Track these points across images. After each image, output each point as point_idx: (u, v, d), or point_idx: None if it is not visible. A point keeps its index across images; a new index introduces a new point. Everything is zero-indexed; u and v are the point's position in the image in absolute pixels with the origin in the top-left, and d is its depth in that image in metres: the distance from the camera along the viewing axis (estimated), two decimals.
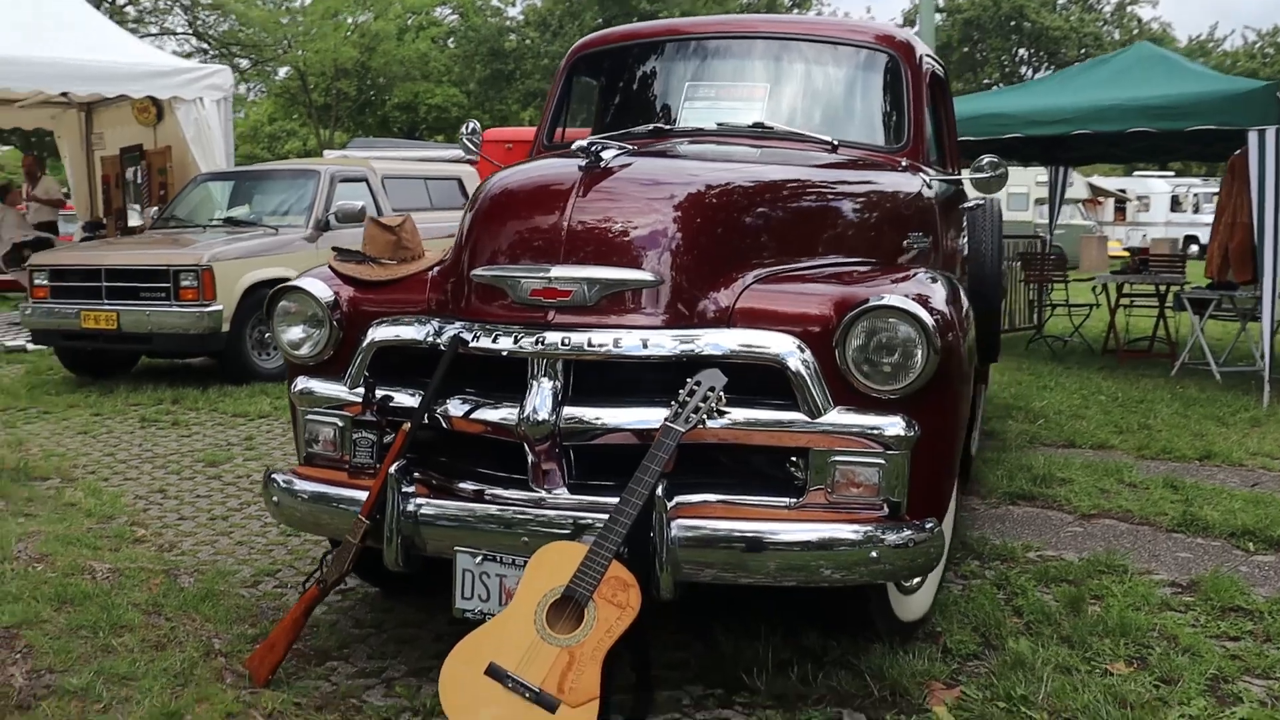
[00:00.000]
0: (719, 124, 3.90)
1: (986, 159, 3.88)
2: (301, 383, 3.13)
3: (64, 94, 11.29)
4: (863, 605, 2.93)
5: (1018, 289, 10.08)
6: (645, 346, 2.64)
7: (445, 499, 2.79)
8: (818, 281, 2.78)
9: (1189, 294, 7.89)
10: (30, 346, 9.06)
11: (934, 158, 4.26)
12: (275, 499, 3.05)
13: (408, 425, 2.82)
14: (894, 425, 2.59)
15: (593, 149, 2.89)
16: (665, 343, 2.64)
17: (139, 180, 12.39)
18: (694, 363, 2.64)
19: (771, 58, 4.12)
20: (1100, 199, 27.08)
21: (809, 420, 2.61)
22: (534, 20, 31.92)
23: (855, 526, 2.56)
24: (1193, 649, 3.03)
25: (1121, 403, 6.86)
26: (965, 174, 3.99)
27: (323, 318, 3.04)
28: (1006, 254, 9.48)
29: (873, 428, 2.59)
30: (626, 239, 2.73)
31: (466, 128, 4.22)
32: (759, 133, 3.82)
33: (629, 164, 2.88)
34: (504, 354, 2.71)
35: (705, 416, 2.58)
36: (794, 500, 2.66)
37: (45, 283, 7.82)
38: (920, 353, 2.55)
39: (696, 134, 3.89)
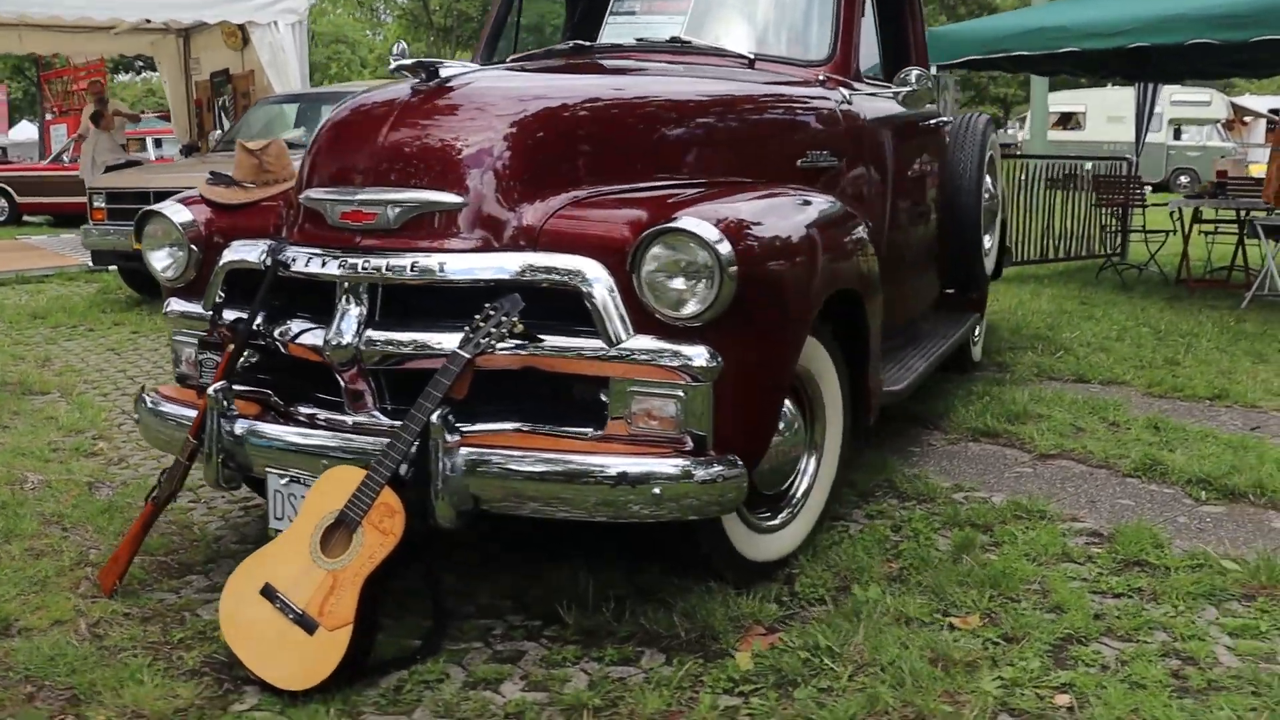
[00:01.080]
0: (638, 39, 3.74)
1: (915, 71, 3.59)
2: (170, 304, 3.18)
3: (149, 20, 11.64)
4: (694, 543, 2.83)
5: (1088, 214, 9.48)
6: (441, 270, 2.57)
7: (262, 420, 2.80)
8: (631, 205, 2.63)
9: (1263, 221, 7.25)
10: (91, 266, 9.55)
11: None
12: (138, 417, 3.12)
13: (231, 347, 2.83)
14: (694, 355, 2.46)
15: (427, 69, 2.80)
16: (459, 265, 2.56)
17: (226, 104, 12.80)
18: (497, 287, 2.56)
19: None
20: (1245, 119, 25.09)
21: (605, 348, 2.50)
22: None
23: (644, 460, 2.45)
24: (1063, 605, 2.81)
25: (1162, 336, 6.40)
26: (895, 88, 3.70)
27: (182, 241, 3.07)
28: (1052, 175, 8.92)
29: (670, 356, 2.46)
30: (434, 161, 2.64)
31: (395, 48, 4.15)
32: (675, 48, 3.65)
33: (457, 85, 2.78)
34: (313, 278, 2.69)
35: (494, 342, 2.50)
36: (595, 431, 2.57)
37: (103, 205, 8.18)
38: (712, 279, 2.40)
39: (613, 50, 3.75)
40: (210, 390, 2.77)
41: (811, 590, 2.91)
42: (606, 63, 3.41)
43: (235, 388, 2.81)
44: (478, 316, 2.52)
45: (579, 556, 3.07)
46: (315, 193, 2.75)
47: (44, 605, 2.85)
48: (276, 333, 2.80)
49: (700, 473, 2.44)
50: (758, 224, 2.58)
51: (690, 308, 2.43)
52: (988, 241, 5.07)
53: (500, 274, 2.54)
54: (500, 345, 2.52)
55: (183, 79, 13.79)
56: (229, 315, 2.95)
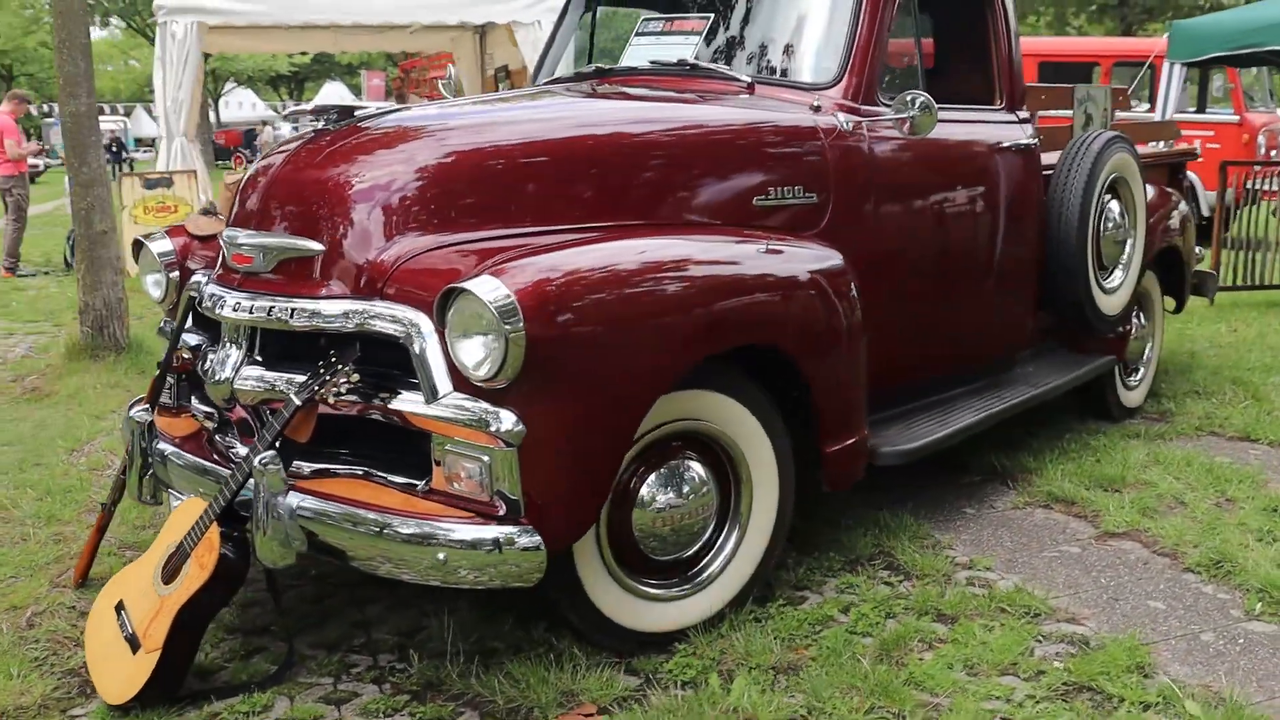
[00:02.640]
0: (652, 62, 3.60)
1: (918, 97, 3.18)
2: (162, 325, 3.47)
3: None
4: (551, 603, 2.71)
5: None
6: (292, 316, 2.62)
7: (187, 444, 2.99)
8: (473, 255, 2.53)
9: None
10: None
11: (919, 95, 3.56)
12: (119, 430, 3.44)
13: (158, 372, 3.04)
14: (501, 417, 2.35)
15: (340, 111, 2.86)
16: (308, 311, 2.60)
17: None
18: (335, 335, 2.58)
19: None
20: None
21: (423, 403, 2.45)
22: None
23: (435, 522, 2.39)
24: None
25: None
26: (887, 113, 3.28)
27: (160, 269, 3.32)
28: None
29: (476, 418, 2.37)
30: (304, 207, 2.70)
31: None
32: (682, 71, 3.49)
33: (347, 132, 2.80)
34: (208, 315, 2.83)
35: (328, 391, 2.53)
36: (423, 486, 2.53)
37: None
38: (500, 341, 2.28)
39: (629, 74, 3.64)
40: (131, 411, 3.00)
41: (681, 672, 2.69)
42: (540, 100, 3.29)
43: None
44: (320, 363, 2.55)
45: (470, 601, 3.03)
46: (225, 233, 2.89)
47: (14, 590, 3.22)
48: (201, 365, 2.97)
49: (488, 541, 2.34)
50: (585, 279, 2.41)
51: (484, 369, 2.33)
52: (1118, 277, 4.41)
53: (341, 322, 2.56)
54: (339, 393, 2.55)
55: (478, 74, 14.76)
56: (191, 340, 3.16)
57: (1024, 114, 3.97)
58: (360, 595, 3.16)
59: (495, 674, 2.64)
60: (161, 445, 2.96)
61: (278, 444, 2.52)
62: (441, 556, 2.36)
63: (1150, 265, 4.88)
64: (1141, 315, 5.03)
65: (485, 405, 2.36)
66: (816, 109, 3.22)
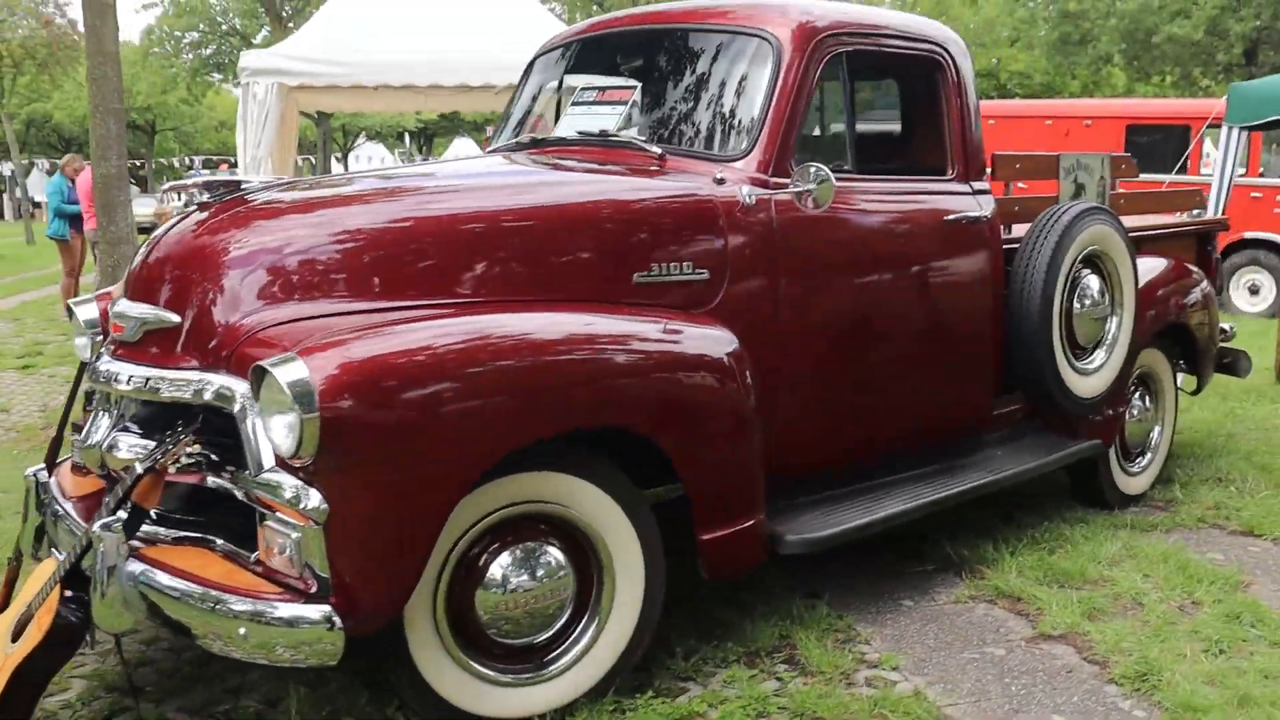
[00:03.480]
0: (579, 132, 3.60)
1: (812, 168, 3.09)
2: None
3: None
4: (389, 679, 2.67)
5: None
6: (146, 385, 2.68)
7: (76, 505, 3.07)
8: (303, 333, 2.52)
9: None
10: None
11: (845, 165, 3.46)
12: None
13: (55, 432, 3.15)
14: (308, 495, 2.35)
15: (226, 186, 2.94)
16: (156, 381, 2.65)
17: None
18: (171, 404, 2.64)
19: (655, 54, 3.68)
20: None
21: (249, 475, 2.47)
22: None
23: (240, 598, 2.40)
24: None
25: None
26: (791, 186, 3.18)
27: (86, 332, 3.42)
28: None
29: (289, 494, 2.37)
30: (168, 281, 2.77)
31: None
32: (605, 142, 3.48)
33: (221, 208, 2.85)
34: (94, 380, 2.92)
35: (166, 459, 2.57)
36: (253, 558, 2.53)
37: None
38: (297, 422, 2.28)
39: (559, 143, 3.65)
40: (28, 471, 3.10)
41: None
42: (420, 174, 3.29)
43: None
44: (168, 432, 2.61)
45: (337, 673, 3.01)
46: (112, 302, 2.99)
47: None
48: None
49: (283, 618, 2.33)
50: (398, 361, 2.39)
51: (285, 447, 2.33)
52: (1098, 357, 4.16)
53: (182, 392, 2.60)
54: (180, 463, 2.59)
55: None
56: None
57: (980, 185, 3.81)
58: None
59: None
60: (57, 504, 3.05)
61: (122, 510, 2.57)
62: (242, 631, 2.36)
63: (1152, 344, 4.60)
64: (1146, 397, 4.75)
65: (297, 482, 2.37)
66: (719, 182, 3.15)
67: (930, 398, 3.70)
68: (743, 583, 3.63)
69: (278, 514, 2.42)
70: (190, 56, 34.75)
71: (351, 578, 2.37)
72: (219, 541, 2.66)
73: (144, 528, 2.69)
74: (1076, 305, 4.04)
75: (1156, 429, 4.82)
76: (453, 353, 2.46)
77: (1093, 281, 4.10)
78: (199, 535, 2.70)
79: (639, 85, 3.56)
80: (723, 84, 3.43)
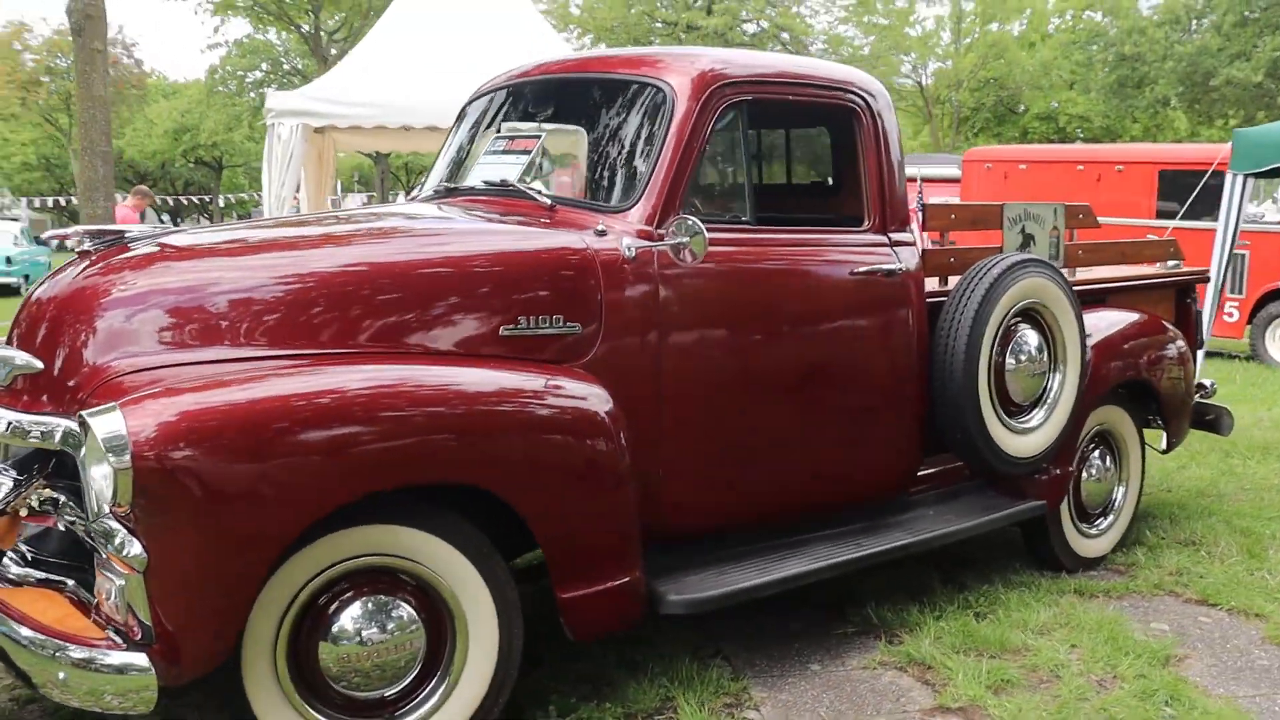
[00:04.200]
0: (484, 181, 3.61)
1: (685, 222, 3.03)
2: None
3: None
4: None
5: None
6: (8, 430, 2.70)
7: None
8: (148, 383, 2.52)
9: None
10: None
11: (743, 217, 3.40)
12: None
13: None
14: (129, 543, 2.34)
15: (90, 238, 2.96)
16: (13, 424, 2.68)
17: None
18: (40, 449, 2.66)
19: (568, 102, 3.67)
20: None
21: (88, 521, 2.47)
22: (1167, 19, 27.89)
23: (60, 642, 2.41)
24: None
25: None
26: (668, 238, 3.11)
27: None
28: None
29: (116, 542, 2.36)
30: (37, 327, 2.79)
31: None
32: (505, 191, 3.47)
33: (99, 258, 2.87)
34: None
35: (16, 501, 2.61)
36: (95, 605, 2.54)
37: None
38: (112, 472, 2.28)
39: (469, 192, 3.66)
40: None
41: None
42: (300, 226, 3.26)
43: None
44: (21, 475, 2.64)
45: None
46: None
47: None
48: None
49: (93, 663, 2.34)
50: (221, 414, 2.38)
51: (105, 495, 2.33)
52: (1037, 416, 4.01)
53: (32, 436, 2.63)
54: (31, 505, 2.62)
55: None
56: None
57: (901, 236, 3.71)
58: None
59: None
60: None
61: None
62: (62, 675, 2.37)
63: (1110, 401, 4.44)
64: (1107, 456, 4.57)
65: (123, 530, 2.36)
66: (601, 234, 3.11)
67: (836, 459, 3.58)
68: (643, 638, 3.55)
69: (109, 560, 2.42)
70: (254, 95, 35.78)
71: (172, 626, 2.36)
72: (70, 585, 2.67)
73: (14, 569, 2.73)
74: (1010, 361, 3.90)
75: (1120, 489, 4.64)
76: (275, 407, 2.44)
77: (1030, 337, 3.96)
78: (57, 579, 2.71)
79: (543, 135, 3.55)
80: (620, 134, 3.40)
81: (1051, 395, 4.05)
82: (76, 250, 2.95)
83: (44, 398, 2.71)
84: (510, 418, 2.75)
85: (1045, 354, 4.01)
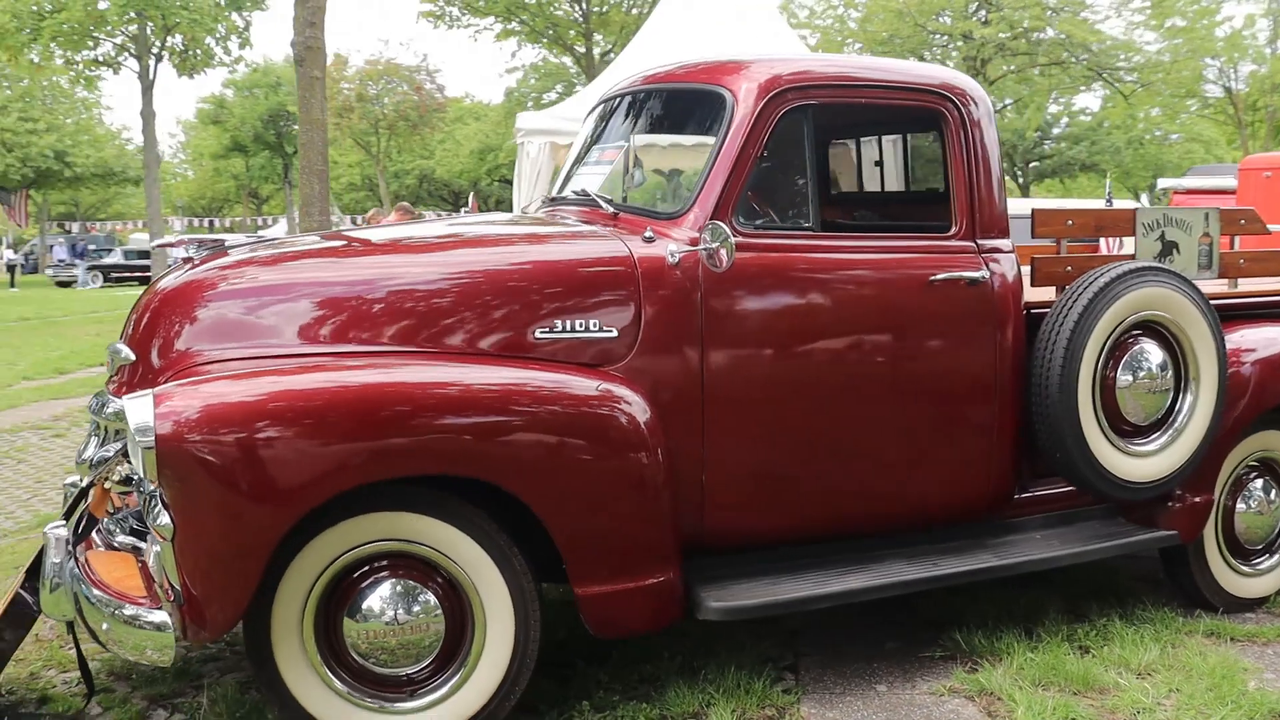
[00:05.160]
0: (574, 192, 3.78)
1: (716, 227, 3.03)
2: None
3: None
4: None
5: None
6: (100, 412, 3.13)
7: None
8: (217, 375, 2.83)
9: None
10: None
11: (805, 222, 3.33)
12: None
13: None
14: (160, 514, 2.66)
15: (210, 245, 3.37)
16: (110, 409, 3.08)
17: None
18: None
19: (652, 113, 3.77)
20: None
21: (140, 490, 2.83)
22: None
23: (108, 596, 2.76)
24: None
25: None
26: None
27: None
28: None
29: (154, 512, 2.70)
30: (138, 324, 3.19)
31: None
32: (583, 201, 3.63)
33: (199, 264, 3.25)
34: None
35: (102, 475, 3.01)
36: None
37: None
38: (138, 451, 2.60)
39: (560, 202, 3.84)
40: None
41: None
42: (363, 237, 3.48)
43: None
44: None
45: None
46: None
47: None
48: None
49: (126, 616, 2.67)
50: (241, 404, 2.64)
51: (140, 472, 2.65)
52: (1160, 439, 3.66)
53: (115, 419, 3.02)
54: (114, 480, 3.02)
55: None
56: None
57: (992, 243, 3.51)
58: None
59: None
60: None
61: (73, 516, 3.03)
62: (105, 626, 2.72)
63: (1274, 426, 3.98)
64: (1274, 489, 4.09)
65: (159, 503, 2.69)
66: (648, 240, 3.17)
67: (901, 476, 3.43)
68: (717, 639, 3.57)
69: (151, 530, 2.76)
70: None
71: (193, 590, 2.65)
72: (144, 551, 3.04)
73: (118, 537, 3.15)
74: (1126, 378, 3.59)
75: None
76: (288, 399, 2.68)
77: (1151, 352, 3.63)
78: (134, 545, 3.09)
79: (626, 145, 3.65)
80: (680, 144, 3.45)
81: (1180, 417, 3.68)
82: (182, 257, 3.36)
83: (134, 385, 3.09)
84: (520, 417, 2.86)
85: (1170, 372, 3.66)
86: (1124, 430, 3.62)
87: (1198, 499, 3.82)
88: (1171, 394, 3.68)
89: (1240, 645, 3.69)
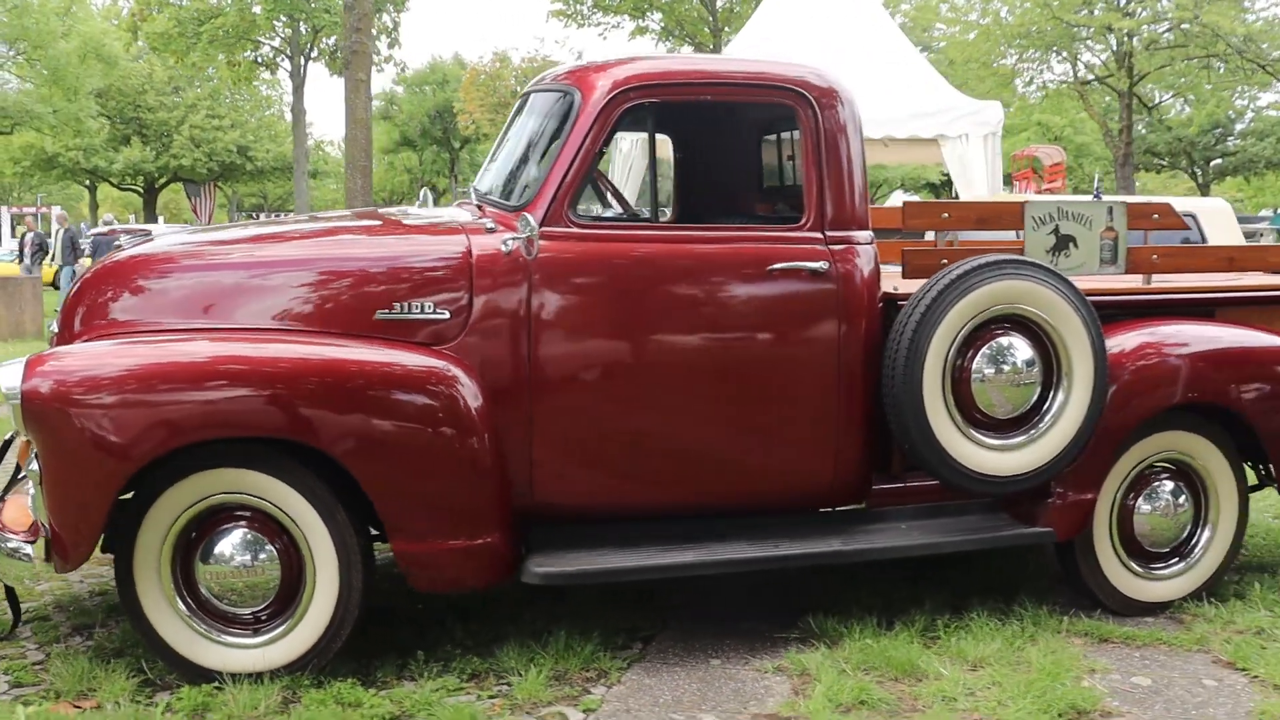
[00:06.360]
0: (472, 187, 4.09)
1: (526, 218, 3.28)
2: None
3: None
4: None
5: None
6: None
7: None
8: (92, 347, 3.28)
9: None
10: None
11: (638, 213, 3.52)
12: None
13: None
14: (33, 461, 3.13)
15: (136, 236, 3.84)
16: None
17: None
18: None
19: (524, 113, 4.02)
20: None
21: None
22: None
23: (9, 537, 3.25)
24: None
25: None
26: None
27: None
28: None
29: (30, 461, 3.17)
30: (66, 303, 3.66)
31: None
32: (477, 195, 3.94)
33: (125, 249, 3.72)
34: None
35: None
36: None
37: None
38: (11, 405, 3.06)
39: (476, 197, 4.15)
40: None
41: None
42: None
43: None
44: None
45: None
46: None
47: None
48: None
49: (8, 550, 3.16)
50: (96, 369, 3.07)
51: (16, 426, 3.12)
52: (1021, 435, 3.64)
53: None
54: None
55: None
56: None
57: (841, 234, 3.58)
58: None
59: None
60: None
61: None
62: None
63: (1179, 427, 3.89)
64: (1183, 491, 3.98)
65: (32, 453, 3.15)
66: (490, 231, 3.44)
67: (736, 459, 3.56)
68: (592, 612, 3.80)
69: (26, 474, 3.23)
70: None
71: (58, 527, 3.10)
72: None
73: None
74: (987, 370, 3.60)
75: (1204, 531, 4.01)
76: (132, 366, 3.10)
77: (1018, 347, 3.62)
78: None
79: (513, 142, 3.92)
80: (538, 140, 3.69)
81: (1050, 413, 3.66)
82: (115, 244, 3.83)
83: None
84: (340, 388, 3.18)
85: (1039, 367, 3.64)
86: (979, 422, 3.63)
87: (1079, 497, 3.78)
88: (1039, 389, 3.66)
89: (1108, 646, 3.64)
